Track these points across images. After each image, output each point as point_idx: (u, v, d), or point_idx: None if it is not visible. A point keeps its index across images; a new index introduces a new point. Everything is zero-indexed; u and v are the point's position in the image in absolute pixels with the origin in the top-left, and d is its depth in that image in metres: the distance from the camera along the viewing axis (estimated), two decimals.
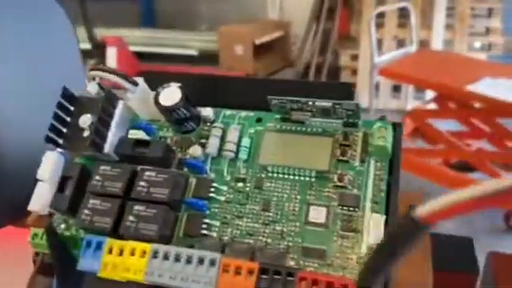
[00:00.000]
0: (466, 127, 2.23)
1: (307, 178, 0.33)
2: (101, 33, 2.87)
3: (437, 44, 2.63)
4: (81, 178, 0.33)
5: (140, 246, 0.29)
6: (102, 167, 0.33)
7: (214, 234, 0.32)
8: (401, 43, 2.60)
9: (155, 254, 0.29)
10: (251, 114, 0.35)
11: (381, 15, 2.63)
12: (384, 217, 0.30)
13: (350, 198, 0.31)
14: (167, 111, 0.33)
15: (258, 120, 0.35)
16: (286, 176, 0.33)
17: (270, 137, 0.34)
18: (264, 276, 0.28)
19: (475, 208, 0.18)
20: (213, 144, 0.34)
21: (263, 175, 0.33)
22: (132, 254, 0.29)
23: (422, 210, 0.19)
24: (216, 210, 0.33)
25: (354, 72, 2.77)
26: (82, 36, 2.91)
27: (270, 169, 0.33)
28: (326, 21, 2.80)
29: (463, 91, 1.92)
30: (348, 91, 0.33)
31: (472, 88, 1.91)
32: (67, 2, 0.63)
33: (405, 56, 2.33)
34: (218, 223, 0.32)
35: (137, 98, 0.34)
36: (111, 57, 2.84)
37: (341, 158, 0.32)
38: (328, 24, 2.82)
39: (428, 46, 2.64)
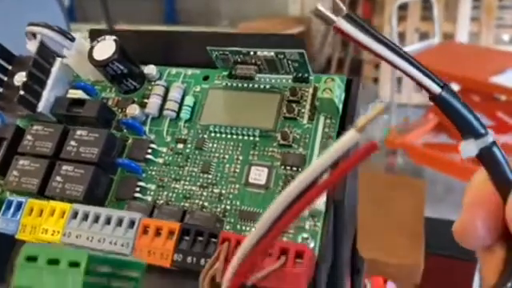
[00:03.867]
0: (491, 121, 2.15)
1: (251, 138, 0.30)
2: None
3: (462, 37, 2.54)
4: (15, 140, 0.31)
5: (60, 205, 0.27)
6: (35, 127, 0.31)
7: (149, 198, 0.29)
8: (424, 36, 2.53)
9: (74, 215, 0.27)
10: (198, 71, 0.33)
11: (403, 8, 2.56)
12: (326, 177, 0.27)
13: (294, 157, 0.28)
14: (101, 66, 0.30)
15: (205, 78, 0.32)
16: (229, 136, 0.30)
17: (214, 95, 0.31)
18: (186, 238, 0.25)
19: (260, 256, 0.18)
20: (153, 103, 0.31)
21: (205, 136, 0.30)
22: (52, 214, 0.27)
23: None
24: (153, 173, 0.30)
25: (377, 66, 2.71)
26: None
27: (211, 129, 0.30)
28: None
29: (488, 83, 1.85)
30: (300, 44, 0.30)
31: (497, 80, 1.84)
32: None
33: (427, 49, 2.27)
34: (153, 186, 0.30)
35: (74, 56, 0.32)
36: None
37: (287, 115, 0.29)
38: None
39: (453, 39, 2.56)
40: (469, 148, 0.19)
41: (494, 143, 0.19)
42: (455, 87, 2.43)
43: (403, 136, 2.16)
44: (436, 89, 0.18)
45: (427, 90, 0.18)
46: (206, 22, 3.33)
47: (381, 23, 2.64)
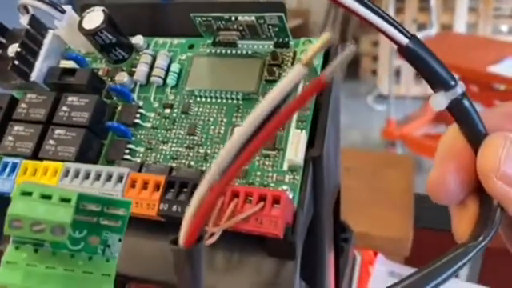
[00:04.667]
0: None
1: (234, 101, 0.31)
2: None
3: (459, 28, 2.55)
4: (9, 108, 0.33)
5: (52, 165, 0.29)
6: (29, 95, 0.32)
7: (138, 160, 0.31)
8: (421, 27, 2.53)
9: (66, 173, 0.28)
10: (183, 40, 0.34)
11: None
12: (304, 133, 0.28)
13: None
14: (90, 35, 0.32)
15: (191, 46, 0.34)
16: (214, 100, 0.31)
17: (198, 62, 0.33)
18: (172, 190, 0.27)
19: (216, 199, 0.17)
20: (141, 71, 0.33)
21: (191, 100, 0.32)
22: (45, 173, 0.29)
23: (180, 240, 0.18)
24: (141, 137, 0.32)
25: (375, 58, 2.72)
26: None
27: (197, 93, 0.32)
28: None
29: (486, 73, 1.86)
30: (279, 9, 0.31)
31: (494, 69, 1.85)
32: None
33: (425, 39, 2.27)
34: (142, 149, 0.31)
35: (65, 27, 0.34)
36: None
37: (269, 78, 0.31)
38: None
39: (450, 30, 2.57)
40: (439, 100, 0.19)
41: (463, 94, 0.19)
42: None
43: (402, 127, 2.17)
44: (403, 39, 0.18)
45: (394, 41, 0.18)
46: None
47: None
